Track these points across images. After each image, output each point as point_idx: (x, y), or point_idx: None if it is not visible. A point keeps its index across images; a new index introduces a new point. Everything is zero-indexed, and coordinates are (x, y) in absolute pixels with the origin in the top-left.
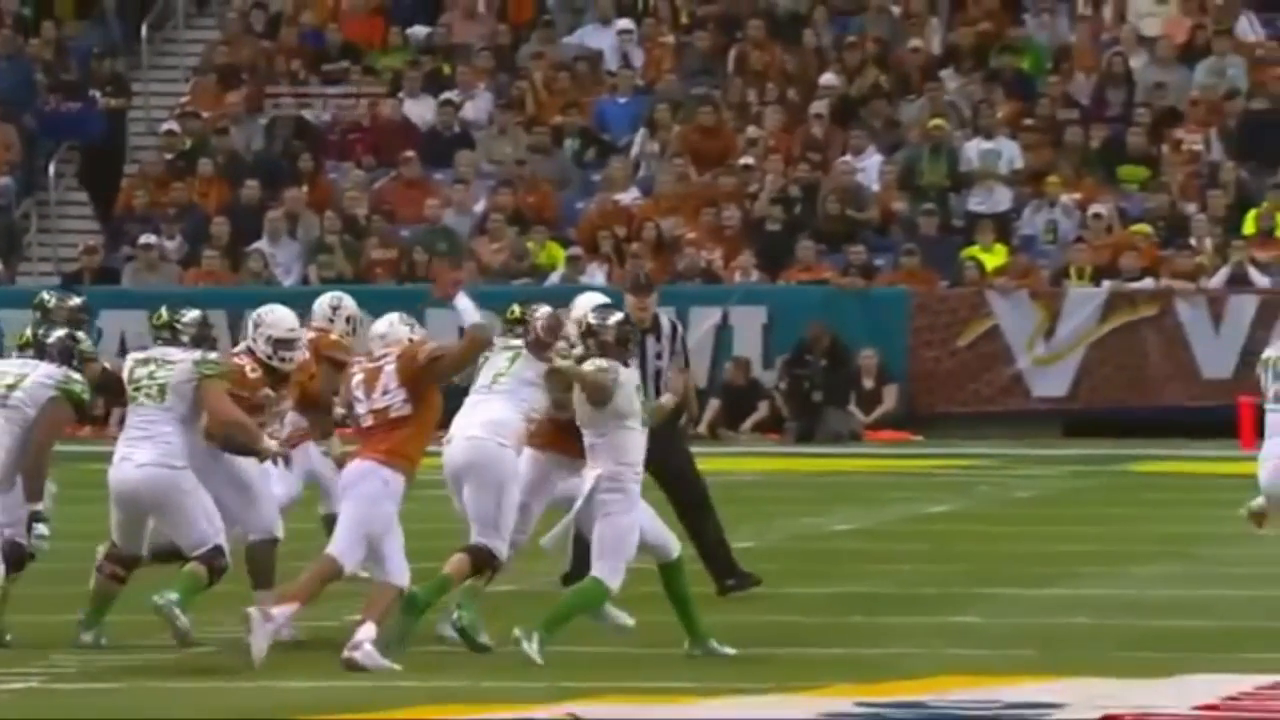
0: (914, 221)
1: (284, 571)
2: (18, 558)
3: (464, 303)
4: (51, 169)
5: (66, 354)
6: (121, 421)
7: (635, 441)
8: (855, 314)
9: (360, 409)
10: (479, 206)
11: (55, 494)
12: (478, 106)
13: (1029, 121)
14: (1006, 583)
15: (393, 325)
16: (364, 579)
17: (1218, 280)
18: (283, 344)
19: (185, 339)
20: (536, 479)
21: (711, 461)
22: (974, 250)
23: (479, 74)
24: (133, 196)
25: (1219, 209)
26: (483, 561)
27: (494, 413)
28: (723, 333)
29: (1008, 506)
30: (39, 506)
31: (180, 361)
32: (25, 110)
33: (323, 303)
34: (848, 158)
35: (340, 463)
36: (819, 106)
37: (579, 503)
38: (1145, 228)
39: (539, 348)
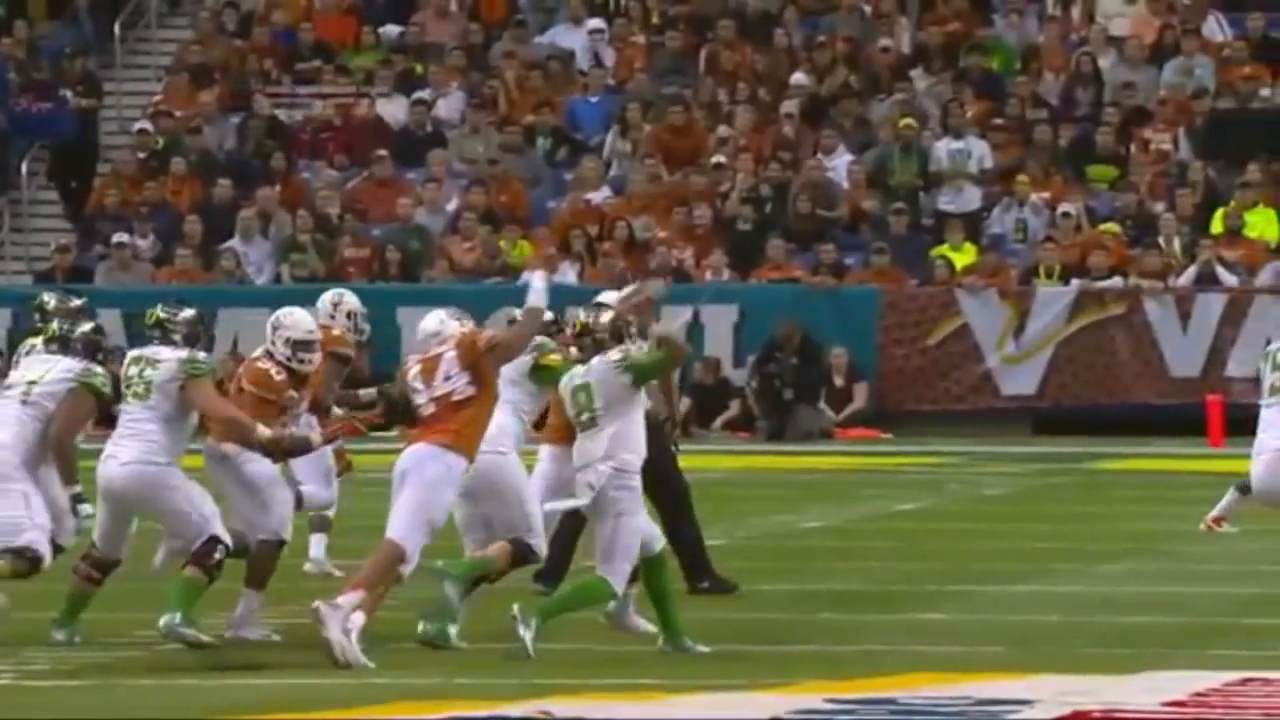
0: (884, 220)
1: (281, 570)
2: (34, 560)
3: (538, 283)
4: (24, 168)
5: (92, 348)
6: None
7: (642, 431)
8: (825, 312)
9: (420, 398)
10: (451, 205)
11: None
12: (450, 105)
13: (998, 121)
14: (976, 580)
15: (444, 322)
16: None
17: (1185, 279)
18: (302, 345)
19: (176, 337)
20: (557, 474)
21: (682, 459)
22: (944, 249)
23: (451, 73)
24: (105, 195)
25: (1187, 208)
26: (522, 557)
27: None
28: (694, 331)
29: (977, 504)
30: (77, 488)
31: (167, 360)
32: None
33: (325, 299)
34: (818, 157)
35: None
36: (789, 106)
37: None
38: (1114, 227)
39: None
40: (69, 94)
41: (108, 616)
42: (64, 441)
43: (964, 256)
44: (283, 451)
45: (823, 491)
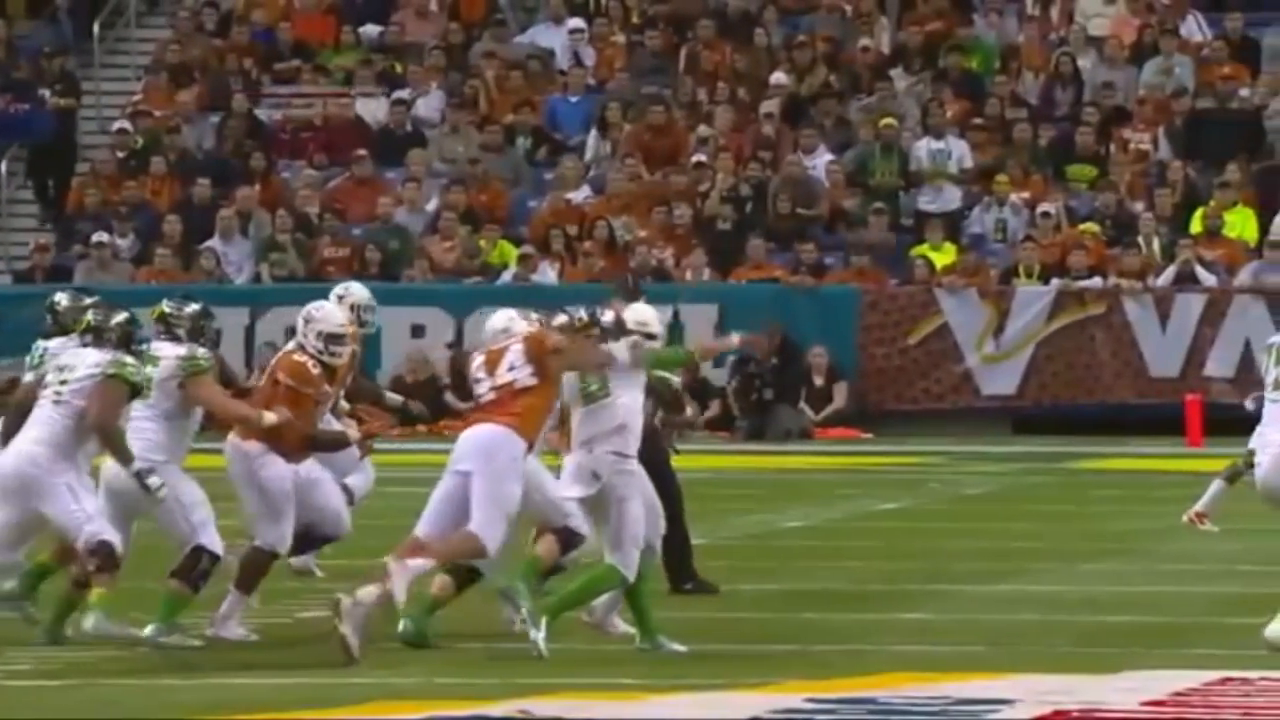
0: (864, 220)
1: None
2: (108, 554)
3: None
4: (3, 167)
5: (126, 339)
6: None
7: (641, 411)
8: (805, 312)
9: (481, 388)
10: (431, 205)
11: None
12: (429, 105)
13: (978, 121)
14: (956, 579)
15: (513, 320)
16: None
17: (1165, 279)
18: (334, 339)
19: (180, 332)
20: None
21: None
22: (923, 249)
23: (431, 73)
24: (85, 195)
25: (1166, 208)
26: (567, 542)
27: None
28: (674, 331)
29: (957, 503)
30: (138, 465)
31: (166, 358)
32: None
33: (333, 292)
34: (798, 154)
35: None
36: (769, 105)
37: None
38: (1093, 226)
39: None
40: (47, 94)
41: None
42: (106, 427)
43: (944, 256)
44: (318, 446)
45: (803, 491)
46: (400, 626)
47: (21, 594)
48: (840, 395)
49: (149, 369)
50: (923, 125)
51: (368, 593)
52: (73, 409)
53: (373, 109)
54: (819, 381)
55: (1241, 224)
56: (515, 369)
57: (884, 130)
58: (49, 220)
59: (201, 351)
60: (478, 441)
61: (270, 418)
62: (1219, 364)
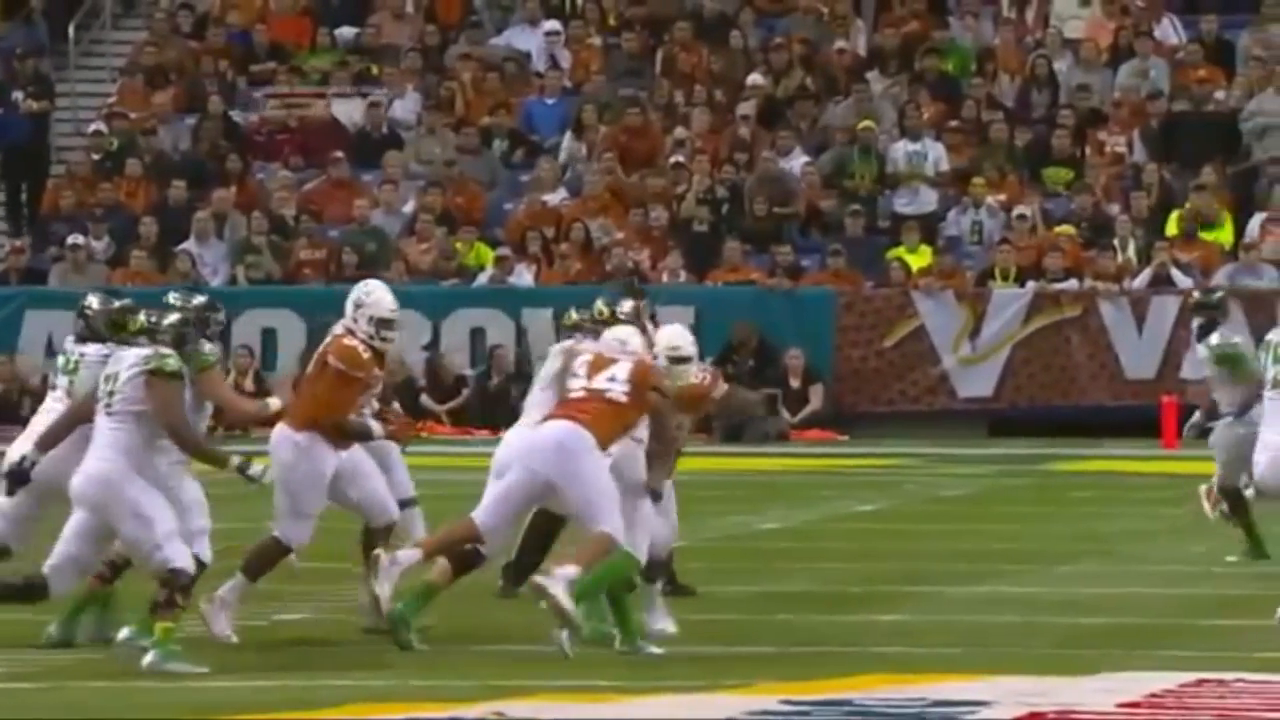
0: (840, 222)
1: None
2: (182, 587)
3: None
4: None
5: (180, 341)
6: None
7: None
8: (782, 314)
9: (574, 383)
10: (407, 207)
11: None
12: (406, 107)
13: (954, 123)
14: (933, 581)
15: (634, 337)
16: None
17: (1140, 281)
18: (385, 324)
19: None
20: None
21: None
22: (900, 251)
23: (407, 75)
24: (60, 197)
25: (1142, 210)
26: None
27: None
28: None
29: (934, 505)
30: (236, 460)
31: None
32: None
33: (350, 300)
34: (773, 152)
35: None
36: (746, 108)
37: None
38: (1069, 229)
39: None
40: (20, 96)
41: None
42: (174, 428)
43: (920, 258)
44: (345, 436)
45: (780, 493)
46: (391, 606)
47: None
48: (816, 397)
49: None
50: (899, 127)
51: (407, 555)
52: (126, 416)
53: (349, 111)
54: (795, 383)
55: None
56: (614, 381)
57: (862, 133)
58: (23, 223)
59: (207, 346)
60: (557, 440)
61: (275, 404)
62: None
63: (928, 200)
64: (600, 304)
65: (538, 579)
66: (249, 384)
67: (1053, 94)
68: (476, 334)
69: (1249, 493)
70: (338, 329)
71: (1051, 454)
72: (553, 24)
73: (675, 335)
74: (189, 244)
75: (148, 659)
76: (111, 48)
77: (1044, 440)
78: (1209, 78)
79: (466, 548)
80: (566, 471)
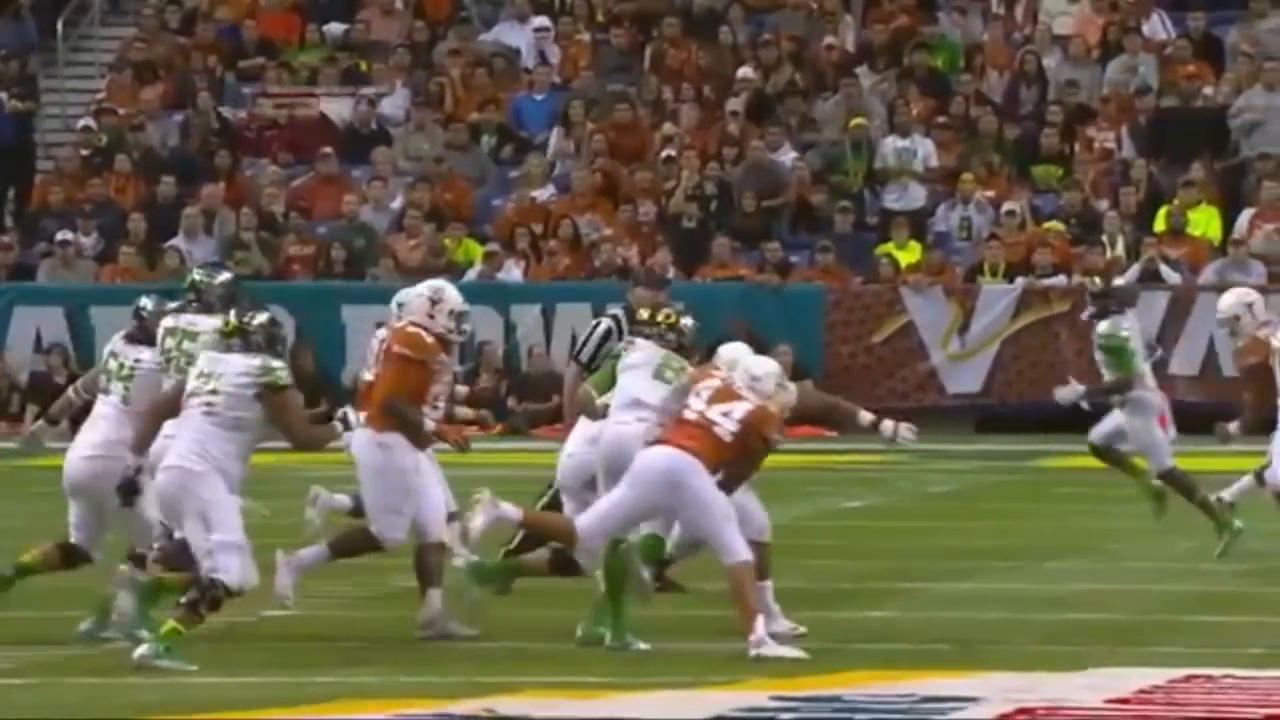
0: (830, 218)
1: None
2: (214, 600)
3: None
4: None
5: (271, 341)
6: None
7: None
8: (771, 310)
9: (693, 403)
10: (396, 203)
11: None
12: (395, 103)
13: (943, 119)
14: (921, 577)
15: (768, 375)
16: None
17: (1129, 277)
18: (461, 317)
19: (214, 301)
20: None
21: None
22: (888, 247)
23: (396, 71)
24: (49, 193)
25: (1130, 206)
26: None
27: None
28: None
29: (922, 502)
30: (338, 429)
31: (204, 331)
32: None
33: (394, 303)
34: (762, 142)
35: None
36: (735, 104)
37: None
38: (1058, 225)
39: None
40: (5, 97)
41: (50, 615)
42: (297, 436)
43: (909, 255)
44: (400, 421)
45: (767, 489)
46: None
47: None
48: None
49: (188, 344)
50: (888, 124)
51: (511, 509)
52: (227, 420)
53: (338, 107)
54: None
55: (1205, 222)
56: (728, 418)
57: (854, 129)
58: (10, 219)
59: (276, 363)
60: (665, 469)
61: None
62: (1183, 362)
63: (917, 196)
64: (668, 311)
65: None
66: None
67: (1041, 90)
68: None
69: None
70: (396, 324)
71: (1039, 450)
72: (541, 20)
73: (764, 366)
74: (178, 240)
75: (141, 651)
76: (100, 44)
77: (1032, 436)
78: (1198, 73)
79: (573, 555)
80: (678, 499)
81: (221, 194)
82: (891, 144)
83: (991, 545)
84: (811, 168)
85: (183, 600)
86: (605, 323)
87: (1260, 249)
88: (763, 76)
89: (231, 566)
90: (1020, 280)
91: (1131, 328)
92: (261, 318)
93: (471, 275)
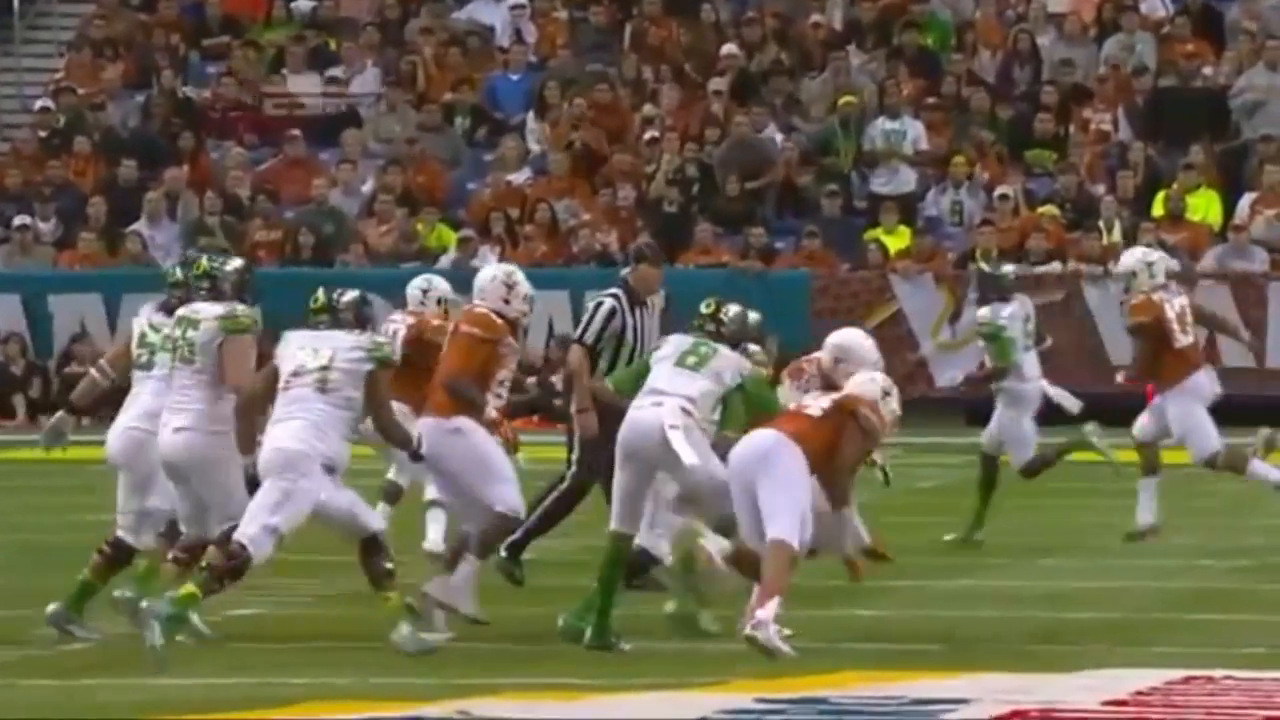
0: (816, 202)
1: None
2: (236, 567)
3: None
4: None
5: (362, 321)
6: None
7: None
8: (755, 297)
9: (806, 399)
10: (366, 187)
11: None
12: (365, 83)
13: (933, 100)
14: (912, 575)
15: (873, 381)
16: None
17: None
18: (533, 301)
19: (225, 288)
20: None
21: None
22: (877, 232)
23: (366, 49)
24: (5, 175)
25: (1128, 190)
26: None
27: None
28: None
29: (912, 496)
30: (413, 447)
31: (207, 319)
32: None
33: (414, 287)
34: (748, 118)
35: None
36: (718, 83)
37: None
38: (1052, 209)
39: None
40: None
41: (11, 614)
42: (389, 426)
43: (898, 240)
44: (472, 406)
45: None
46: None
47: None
48: None
49: (190, 332)
50: (878, 104)
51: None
52: (344, 398)
53: (306, 87)
54: (768, 370)
55: (1205, 207)
56: (819, 404)
57: (844, 109)
58: None
59: (242, 309)
60: (763, 449)
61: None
62: None
63: (906, 180)
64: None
65: (754, 635)
66: None
67: (1035, 69)
68: None
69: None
70: (397, 318)
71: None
72: None
73: (862, 383)
74: (139, 225)
75: (154, 604)
76: (58, 21)
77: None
78: (1197, 52)
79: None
80: (764, 472)
81: (185, 177)
82: (880, 126)
83: (984, 541)
84: (801, 148)
85: (211, 563)
86: (608, 302)
87: (1262, 234)
88: (746, 55)
89: (266, 547)
90: (1013, 267)
91: (1013, 316)
92: (350, 295)
93: (445, 262)
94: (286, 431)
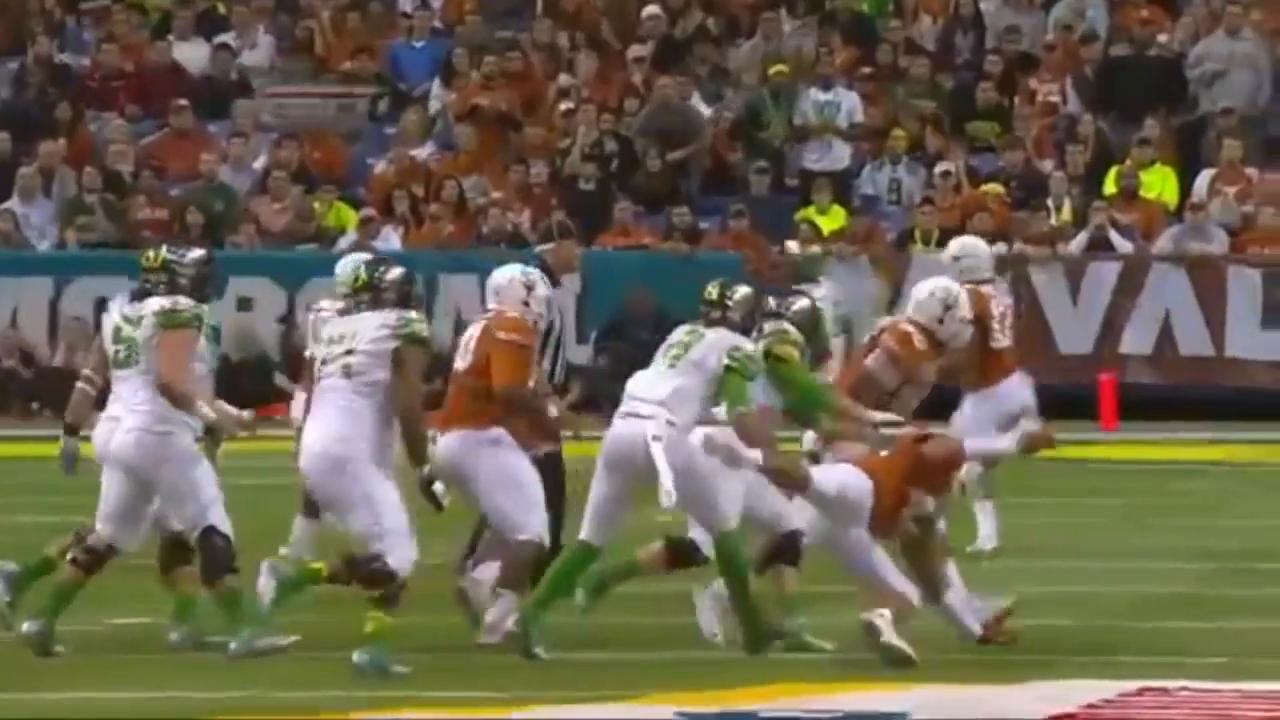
0: (745, 179)
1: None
2: (394, 583)
3: None
4: None
5: (405, 299)
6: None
7: None
8: (679, 282)
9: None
10: (259, 162)
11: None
12: (257, 51)
13: (869, 70)
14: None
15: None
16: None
17: (1076, 245)
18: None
19: (182, 282)
20: None
21: None
22: (809, 212)
23: (258, 14)
24: None
25: (1077, 166)
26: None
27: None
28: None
29: None
30: (426, 469)
31: (148, 316)
32: None
33: (347, 267)
34: (670, 80)
35: None
36: (639, 50)
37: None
38: (997, 187)
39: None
40: None
41: None
42: (411, 413)
43: (832, 220)
44: (529, 410)
45: None
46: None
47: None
48: None
49: (133, 330)
50: (810, 74)
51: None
52: (371, 380)
53: (193, 54)
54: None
55: (1160, 184)
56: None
57: (774, 77)
58: None
59: (186, 302)
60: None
61: (208, 414)
62: (1136, 340)
63: (841, 155)
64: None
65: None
66: (80, 361)
67: (978, 37)
68: None
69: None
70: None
71: None
72: None
73: (925, 286)
74: (12, 203)
75: (362, 657)
76: None
77: None
78: (1151, 18)
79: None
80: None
81: (61, 151)
82: (813, 97)
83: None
84: (730, 117)
85: (377, 596)
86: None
87: (1221, 215)
88: (670, 20)
89: (398, 545)
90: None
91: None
92: (395, 272)
93: (344, 244)
94: (320, 430)
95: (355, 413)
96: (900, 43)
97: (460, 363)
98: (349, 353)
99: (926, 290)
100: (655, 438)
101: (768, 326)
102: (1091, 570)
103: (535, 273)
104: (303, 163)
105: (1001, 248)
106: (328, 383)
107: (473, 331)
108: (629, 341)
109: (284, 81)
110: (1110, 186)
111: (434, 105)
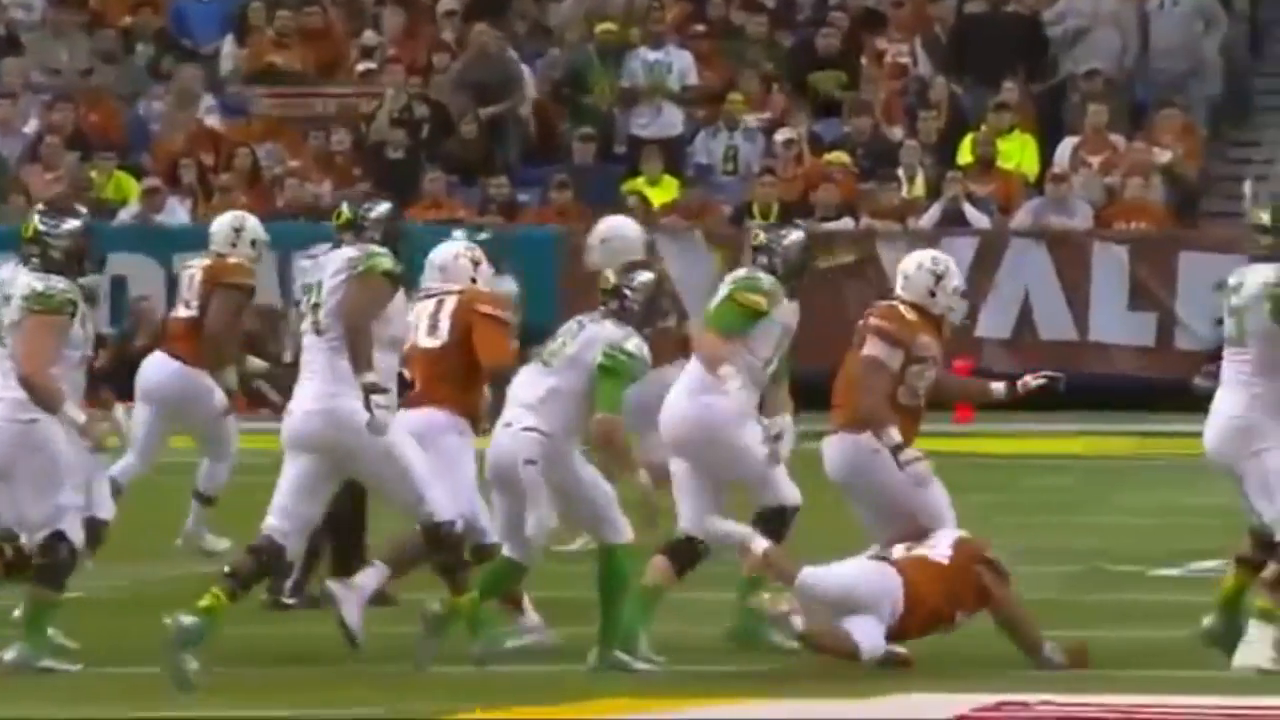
0: (568, 146)
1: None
2: (456, 545)
3: None
4: None
5: (390, 236)
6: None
7: None
8: (495, 259)
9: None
10: (29, 126)
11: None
12: (27, 3)
13: (702, 26)
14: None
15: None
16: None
17: (928, 219)
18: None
19: (55, 255)
20: None
21: None
22: (638, 183)
23: None
24: None
25: (930, 134)
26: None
27: None
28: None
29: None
30: (370, 377)
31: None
32: None
33: (223, 226)
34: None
35: None
36: (449, 3)
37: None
38: (843, 156)
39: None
40: None
41: None
42: (356, 334)
43: (663, 192)
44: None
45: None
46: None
47: None
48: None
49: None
50: (639, 32)
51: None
52: (336, 339)
53: None
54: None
55: (1019, 153)
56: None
57: (601, 36)
58: None
59: (61, 284)
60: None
61: (76, 417)
62: (993, 322)
63: (673, 121)
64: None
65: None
66: None
67: None
68: (117, 284)
69: None
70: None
71: (819, 430)
72: None
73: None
74: None
75: (479, 649)
76: None
77: (810, 414)
78: None
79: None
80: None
81: None
82: (641, 57)
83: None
84: (552, 77)
85: (444, 566)
86: None
87: (1084, 187)
88: None
89: (443, 505)
90: (798, 223)
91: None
92: (381, 209)
93: (125, 216)
94: (308, 393)
95: (330, 369)
96: None
97: (429, 341)
98: (315, 306)
99: (914, 264)
100: (528, 461)
101: (742, 271)
102: None
103: (477, 248)
104: (78, 127)
105: (848, 222)
106: (307, 341)
107: (429, 307)
108: None
109: (56, 37)
110: (965, 156)
111: (225, 65)
